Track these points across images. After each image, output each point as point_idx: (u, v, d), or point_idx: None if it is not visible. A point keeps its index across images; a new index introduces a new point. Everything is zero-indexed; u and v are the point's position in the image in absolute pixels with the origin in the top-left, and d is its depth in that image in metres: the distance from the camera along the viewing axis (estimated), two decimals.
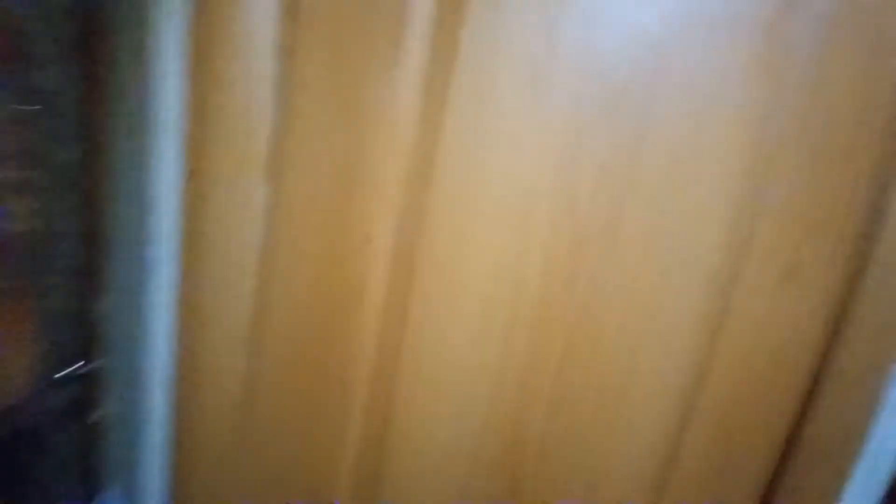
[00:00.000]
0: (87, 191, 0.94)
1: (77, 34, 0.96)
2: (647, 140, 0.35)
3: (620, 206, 0.36)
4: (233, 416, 0.41)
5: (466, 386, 0.38)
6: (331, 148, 0.35)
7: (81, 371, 0.73)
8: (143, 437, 0.48)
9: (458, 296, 0.36)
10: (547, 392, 0.37)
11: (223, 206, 0.38)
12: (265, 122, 0.36)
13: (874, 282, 0.36)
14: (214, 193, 0.38)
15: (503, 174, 0.35)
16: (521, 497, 0.40)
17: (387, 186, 0.35)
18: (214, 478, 0.43)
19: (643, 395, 0.38)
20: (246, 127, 0.36)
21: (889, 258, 0.36)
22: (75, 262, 1.04)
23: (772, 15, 0.32)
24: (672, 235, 0.36)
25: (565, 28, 0.34)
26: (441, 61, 0.33)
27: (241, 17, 0.33)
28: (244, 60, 0.33)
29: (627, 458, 0.40)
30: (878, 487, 0.39)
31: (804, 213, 0.36)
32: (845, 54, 0.32)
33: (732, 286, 0.37)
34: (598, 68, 0.34)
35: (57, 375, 0.70)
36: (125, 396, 0.55)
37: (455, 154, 0.35)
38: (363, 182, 0.35)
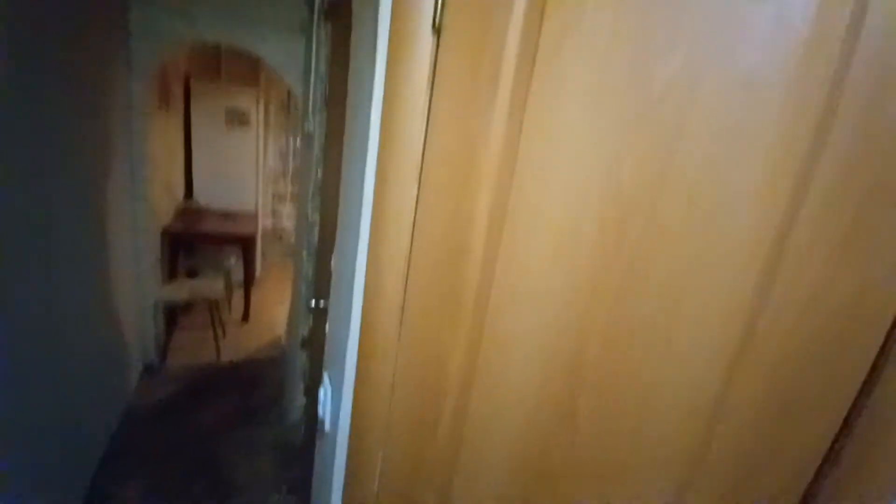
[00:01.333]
0: (324, 197, 1.43)
1: (324, 97, 1.49)
2: (685, 131, 0.45)
3: (657, 189, 0.46)
4: (392, 328, 0.67)
5: (537, 317, 0.54)
6: (450, 159, 0.57)
7: (322, 305, 1.17)
8: (348, 343, 0.80)
9: (532, 252, 0.53)
10: (601, 325, 0.50)
11: (394, 199, 0.65)
12: (418, 147, 0.60)
13: None
14: (390, 191, 0.65)
15: (565, 168, 0.50)
16: (578, 412, 0.53)
17: (483, 182, 0.55)
18: (380, 368, 0.70)
19: (685, 344, 0.47)
20: (407, 151, 0.61)
21: None
22: (318, 241, 1.58)
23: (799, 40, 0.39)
24: (705, 211, 0.44)
25: (612, 60, 0.47)
26: (520, 91, 0.51)
27: (409, 89, 0.58)
28: (409, 118, 0.58)
29: (671, 399, 0.48)
30: None
31: (871, 175, 0.38)
32: None
33: (781, 248, 0.42)
34: (641, 82, 0.46)
35: (311, 305, 1.16)
36: (339, 320, 0.89)
37: (529, 155, 0.52)
38: (469, 179, 0.56)
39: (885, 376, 0.39)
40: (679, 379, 0.47)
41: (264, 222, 4.87)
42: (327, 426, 0.92)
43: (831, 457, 0.41)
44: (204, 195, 4.07)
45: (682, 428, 0.48)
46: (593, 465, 0.53)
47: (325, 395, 0.95)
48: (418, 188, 0.61)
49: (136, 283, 2.58)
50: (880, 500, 0.39)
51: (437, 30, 0.55)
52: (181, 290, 2.98)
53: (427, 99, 0.58)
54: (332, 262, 1.03)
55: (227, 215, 3.97)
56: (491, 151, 0.54)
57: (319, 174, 1.63)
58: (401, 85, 0.59)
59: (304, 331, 1.86)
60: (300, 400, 2.10)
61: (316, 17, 1.54)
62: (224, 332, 3.32)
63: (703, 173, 0.43)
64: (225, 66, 4.13)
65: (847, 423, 0.41)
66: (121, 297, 2.28)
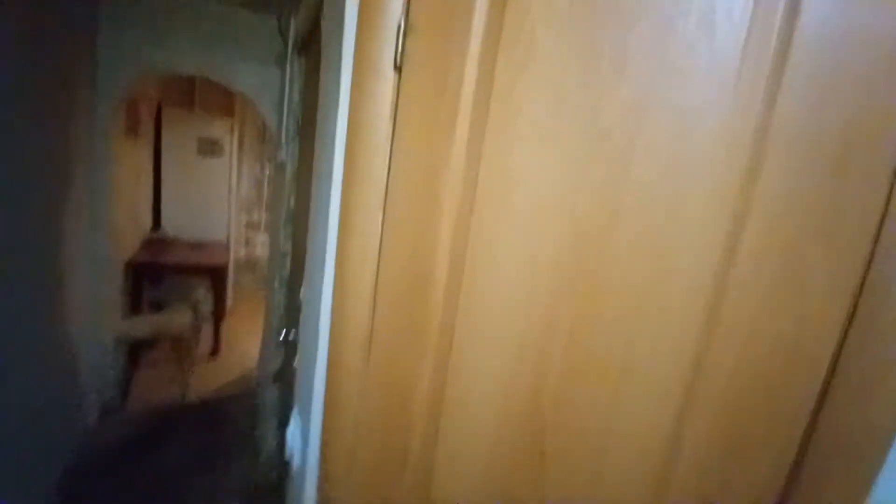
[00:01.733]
0: (297, 226, 1.42)
1: (296, 128, 1.51)
2: (633, 163, 0.47)
3: (610, 217, 0.48)
4: (358, 360, 0.66)
5: (500, 347, 0.54)
6: (414, 188, 0.59)
7: (290, 337, 1.14)
8: (315, 376, 0.78)
9: (492, 282, 0.54)
10: (559, 358, 0.51)
11: (359, 229, 0.65)
12: (382, 178, 0.62)
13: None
14: (355, 222, 0.65)
15: (522, 197, 0.52)
16: (545, 446, 0.53)
17: (445, 211, 0.56)
18: (346, 401, 0.68)
19: (640, 373, 0.48)
20: (372, 183, 0.63)
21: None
22: (290, 271, 1.56)
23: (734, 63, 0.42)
24: (654, 241, 0.46)
25: (563, 98, 0.50)
26: (478, 127, 0.54)
27: (371, 123, 0.60)
28: (371, 149, 0.60)
29: (631, 428, 0.49)
30: None
31: (803, 208, 0.41)
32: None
33: (724, 281, 0.44)
34: (589, 118, 0.49)
35: (280, 338, 1.13)
36: (308, 352, 0.88)
37: (489, 186, 0.54)
38: (432, 208, 0.57)
39: (825, 414, 0.41)
40: (636, 413, 0.48)
41: (237, 252, 4.77)
42: (296, 464, 0.89)
43: (786, 492, 0.43)
44: (173, 225, 3.97)
45: (642, 459, 0.48)
46: (561, 498, 0.52)
47: (295, 431, 0.92)
48: (383, 219, 0.62)
49: (95, 318, 2.45)
50: None
51: (398, 68, 0.57)
52: (145, 325, 2.85)
53: (390, 132, 0.60)
54: (302, 293, 1.02)
55: (197, 245, 3.87)
56: (451, 184, 0.55)
57: (292, 203, 1.63)
58: (364, 119, 0.61)
59: (275, 364, 1.80)
60: (272, 437, 2.01)
61: (290, 50, 1.58)
62: (192, 369, 3.17)
63: (650, 207, 0.46)
64: (199, 95, 4.13)
65: (798, 459, 0.42)
66: (77, 333, 2.17)
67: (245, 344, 3.71)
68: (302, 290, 1.01)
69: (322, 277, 0.73)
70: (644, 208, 0.46)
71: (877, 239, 0.39)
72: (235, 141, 4.33)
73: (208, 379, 3.16)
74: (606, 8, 0.46)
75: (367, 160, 0.61)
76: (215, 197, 4.26)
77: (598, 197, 0.48)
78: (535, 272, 0.51)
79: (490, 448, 0.55)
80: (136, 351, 3.17)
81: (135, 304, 3.14)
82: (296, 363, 1.03)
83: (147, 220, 3.78)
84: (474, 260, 0.55)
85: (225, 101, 4.28)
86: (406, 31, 0.56)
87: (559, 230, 0.50)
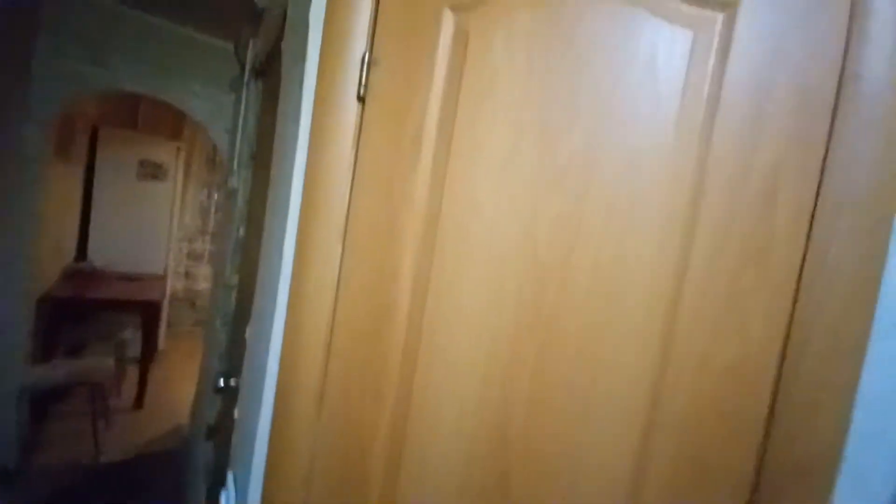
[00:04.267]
0: (246, 257, 1.38)
1: (250, 154, 1.50)
2: (588, 199, 0.51)
3: (570, 248, 0.51)
4: (310, 408, 0.64)
5: (463, 384, 0.54)
6: (376, 218, 0.60)
7: (232, 384, 1.07)
8: (257, 431, 0.74)
9: (455, 313, 0.55)
10: (525, 392, 0.52)
11: (316, 261, 0.65)
12: (342, 209, 0.62)
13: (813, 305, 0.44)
14: (312, 253, 0.65)
15: (484, 230, 0.54)
16: (511, 488, 0.52)
17: (407, 241, 0.57)
18: (294, 458, 0.65)
19: (603, 405, 0.49)
20: (332, 211, 0.63)
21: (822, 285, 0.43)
22: (235, 307, 1.50)
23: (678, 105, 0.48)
24: (610, 272, 0.49)
25: (524, 131, 0.53)
26: (441, 158, 0.56)
27: (333, 153, 0.62)
28: (332, 178, 0.61)
29: (598, 464, 0.50)
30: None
31: (739, 239, 0.46)
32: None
33: (674, 309, 0.47)
34: (548, 153, 0.52)
35: (219, 385, 1.06)
36: (250, 402, 0.83)
37: (451, 218, 0.56)
38: (394, 238, 0.58)
39: (774, 436, 0.44)
40: (600, 445, 0.49)
41: (175, 285, 4.51)
42: None
43: None
44: (101, 255, 3.73)
45: (609, 492, 0.49)
46: None
47: (228, 501, 0.84)
48: (342, 250, 0.62)
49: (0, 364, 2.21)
50: None
51: (361, 99, 0.60)
52: (56, 372, 2.59)
53: (351, 162, 0.61)
54: (248, 332, 0.98)
55: (127, 278, 3.63)
56: (414, 215, 0.57)
57: (241, 232, 1.59)
58: (325, 148, 0.62)
59: (210, 416, 1.67)
60: None
61: (247, 75, 1.59)
62: (107, 423, 2.88)
63: (604, 239, 0.49)
64: (143, 116, 4.03)
65: (755, 481, 0.45)
66: None
67: (176, 392, 3.44)
68: (248, 328, 0.97)
69: (273, 313, 0.71)
70: (599, 240, 0.50)
71: (801, 268, 0.44)
72: (182, 165, 4.21)
73: (129, 435, 2.87)
74: (562, 50, 0.51)
75: (327, 190, 0.62)
76: (154, 224, 4.06)
77: (557, 230, 0.51)
78: (499, 303, 0.53)
79: (454, 495, 0.54)
80: (44, 402, 2.86)
81: (48, 347, 2.86)
82: (236, 414, 0.97)
83: (71, 250, 3.53)
84: (437, 292, 0.56)
85: (173, 123, 4.19)
86: (370, 63, 0.59)
87: (521, 260, 0.52)
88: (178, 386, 3.51)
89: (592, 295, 0.49)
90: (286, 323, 0.67)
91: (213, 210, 4.72)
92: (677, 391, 0.46)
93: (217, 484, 1.35)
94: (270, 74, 1.33)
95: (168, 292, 4.12)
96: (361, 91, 0.59)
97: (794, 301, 0.44)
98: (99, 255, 3.71)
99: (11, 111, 2.06)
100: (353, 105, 0.60)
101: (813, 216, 0.43)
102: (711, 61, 0.46)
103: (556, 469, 0.51)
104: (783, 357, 0.44)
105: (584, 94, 0.50)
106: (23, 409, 2.44)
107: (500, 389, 0.53)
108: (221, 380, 1.12)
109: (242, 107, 1.65)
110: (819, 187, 0.43)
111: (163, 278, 3.98)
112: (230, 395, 1.22)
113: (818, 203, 0.43)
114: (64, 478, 2.40)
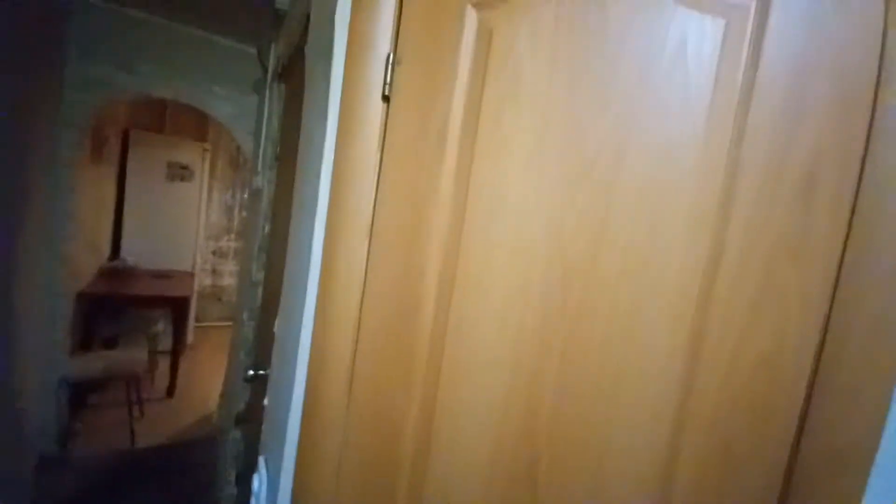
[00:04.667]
0: (271, 254, 1.41)
1: (274, 154, 1.52)
2: (616, 192, 0.50)
3: (596, 243, 0.51)
4: (340, 396, 0.65)
5: (489, 378, 0.55)
6: (401, 217, 0.60)
7: (261, 373, 1.10)
8: (289, 417, 0.75)
9: (482, 310, 0.55)
10: (553, 383, 0.52)
11: (344, 257, 0.66)
12: (368, 207, 0.63)
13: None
14: (339, 249, 0.66)
15: (509, 225, 0.54)
16: (539, 476, 0.53)
17: (433, 236, 0.58)
18: (326, 442, 0.66)
19: (632, 399, 0.49)
20: (359, 211, 0.64)
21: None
22: (262, 302, 1.53)
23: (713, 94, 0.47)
24: (638, 265, 0.49)
25: (550, 126, 0.53)
26: (466, 155, 0.56)
27: (359, 151, 0.62)
28: (359, 176, 0.62)
29: (626, 458, 0.49)
30: None
31: (774, 232, 0.45)
32: None
33: (706, 302, 0.47)
34: (575, 147, 0.52)
35: (249, 375, 1.09)
36: (280, 391, 0.85)
37: (476, 213, 0.56)
38: (419, 234, 0.59)
39: (809, 427, 0.43)
40: (629, 436, 0.49)
41: (202, 281, 4.64)
42: None
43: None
44: (133, 253, 3.85)
45: (638, 484, 0.49)
46: None
47: (260, 483, 0.87)
48: (369, 246, 0.63)
49: (42, 356, 2.31)
50: None
51: (386, 98, 0.60)
52: (94, 364, 2.70)
53: (377, 161, 0.62)
54: (276, 326, 1.00)
55: (158, 275, 3.75)
56: (439, 211, 0.57)
57: (266, 230, 1.62)
58: (352, 147, 0.63)
59: (239, 405, 1.72)
60: (230, 489, 1.89)
61: (269, 77, 1.62)
62: (142, 412, 2.99)
63: (633, 232, 0.48)
64: (170, 119, 4.13)
65: (788, 472, 0.44)
66: (21, 374, 2.03)
67: (206, 382, 3.54)
68: (276, 321, 0.99)
69: (302, 307, 0.72)
70: (627, 234, 0.49)
71: (841, 259, 0.43)
72: (207, 166, 4.31)
73: (162, 423, 2.98)
74: (588, 43, 0.50)
75: (354, 188, 0.63)
76: (183, 223, 4.18)
77: (584, 223, 0.51)
78: (525, 297, 0.53)
79: (482, 482, 0.54)
80: (83, 392, 2.98)
81: (85, 340, 2.98)
82: (265, 402, 1.00)
83: (106, 249, 3.66)
84: (463, 287, 0.56)
85: (198, 126, 4.29)
86: (394, 62, 0.59)
87: (547, 255, 0.52)
88: (207, 377, 3.62)
89: (620, 288, 0.49)
90: (315, 317, 0.69)
91: (237, 209, 4.82)
92: (709, 383, 0.45)
93: (247, 468, 1.39)
94: (293, 76, 1.35)
95: (196, 288, 4.23)
96: (386, 90, 0.60)
97: (834, 291, 0.42)
98: (131, 253, 3.84)
99: (46, 117, 2.14)
100: (379, 104, 0.60)
101: (855, 204, 0.42)
102: (745, 50, 0.45)
103: (584, 458, 0.51)
104: (821, 346, 0.43)
105: (612, 87, 0.50)
106: (63, 399, 2.55)
107: (527, 382, 0.53)
108: (251, 371, 1.15)
109: (266, 108, 1.67)
110: (861, 175, 0.42)
111: (191, 275, 4.09)
112: (259, 385, 1.26)
113: (860, 190, 0.41)
114: (103, 464, 2.51)
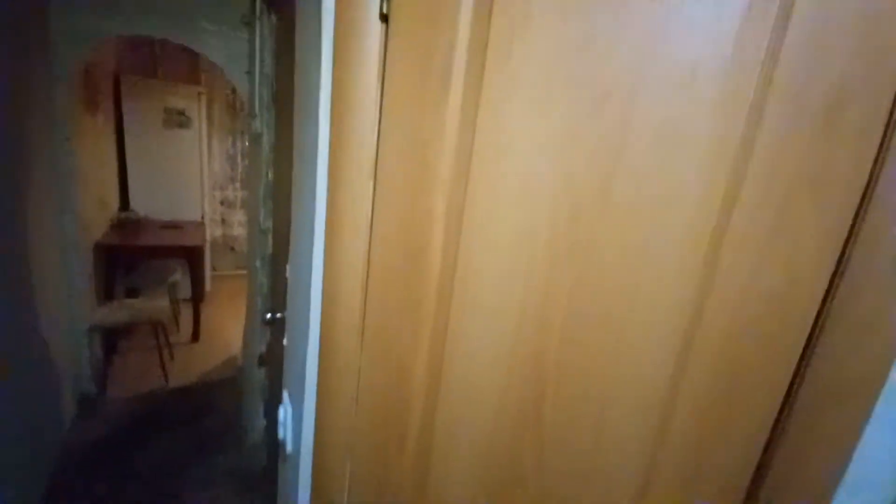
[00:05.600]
0: (277, 201, 1.39)
1: (271, 94, 1.45)
2: (628, 130, 0.46)
3: (608, 181, 0.48)
4: (353, 337, 0.66)
5: (498, 318, 0.54)
6: (405, 156, 0.57)
7: (279, 317, 1.13)
8: (307, 356, 0.78)
9: (489, 250, 0.53)
10: (559, 326, 0.51)
11: (350, 198, 0.64)
12: (371, 145, 0.60)
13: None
14: (343, 191, 0.64)
15: (517, 163, 0.51)
16: (544, 411, 0.54)
17: (439, 178, 0.55)
18: (342, 379, 0.68)
19: (640, 332, 0.49)
20: (362, 149, 0.60)
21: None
22: (272, 249, 1.54)
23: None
24: (652, 200, 0.46)
25: (558, 61, 0.48)
26: (472, 93, 0.52)
27: (358, 81, 0.58)
28: (360, 114, 0.58)
29: (631, 389, 0.50)
30: None
31: (790, 184, 0.42)
32: None
33: (721, 234, 0.44)
34: (586, 81, 0.47)
35: (267, 318, 1.12)
36: (297, 332, 0.87)
37: (483, 152, 0.52)
38: (424, 176, 0.56)
39: (814, 363, 0.42)
40: (634, 369, 0.49)
41: (213, 232, 4.67)
42: (289, 447, 0.89)
43: (774, 438, 0.45)
44: (142, 205, 3.86)
45: (641, 416, 0.50)
46: (560, 467, 0.54)
47: (286, 414, 0.92)
48: (374, 186, 0.61)
49: (67, 307, 2.40)
50: (819, 487, 0.42)
51: (384, 17, 0.55)
52: (120, 312, 2.80)
53: (378, 92, 0.57)
54: (288, 271, 1.00)
55: (170, 226, 3.78)
56: (445, 148, 0.54)
57: (270, 177, 1.58)
58: (350, 77, 0.58)
59: (260, 347, 1.79)
60: (259, 422, 2.03)
61: (258, 8, 1.50)
62: (172, 355, 3.15)
63: (648, 164, 0.45)
64: (161, 62, 3.94)
65: (787, 404, 0.44)
66: (49, 323, 2.12)
67: (227, 327, 3.69)
68: (288, 267, 0.99)
69: (310, 252, 0.72)
70: (641, 166, 0.46)
71: (866, 192, 0.40)
72: (204, 111, 4.17)
73: (190, 365, 3.15)
74: None
75: (355, 125, 0.59)
76: (186, 173, 4.13)
77: (594, 161, 0.47)
78: (533, 239, 0.51)
79: (491, 419, 0.56)
80: (112, 339, 3.13)
81: (108, 290, 3.08)
82: (285, 342, 1.03)
83: (114, 201, 3.66)
84: (472, 226, 0.54)
85: (190, 69, 4.10)
86: None
87: (555, 196, 0.49)
88: (229, 322, 3.77)
89: (631, 223, 0.47)
90: (325, 261, 0.68)
91: (239, 158, 4.73)
92: (718, 315, 0.44)
93: (272, 402, 1.48)
94: (284, 5, 1.24)
95: (208, 238, 4.28)
96: (384, 7, 0.54)
97: (852, 229, 0.40)
98: (140, 204, 3.84)
99: (37, 73, 2.04)
100: (377, 25, 0.55)
101: (884, 138, 0.38)
102: None
103: (589, 393, 0.51)
104: (838, 280, 0.41)
105: (633, 4, 0.44)
106: (95, 345, 2.68)
107: (536, 318, 0.52)
108: (268, 314, 1.18)
109: (257, 43, 1.57)
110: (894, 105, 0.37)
111: (201, 225, 4.12)
112: (278, 327, 1.29)
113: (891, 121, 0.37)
114: (138, 403, 2.69)
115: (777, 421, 0.46)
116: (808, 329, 0.43)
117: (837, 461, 0.43)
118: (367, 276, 0.63)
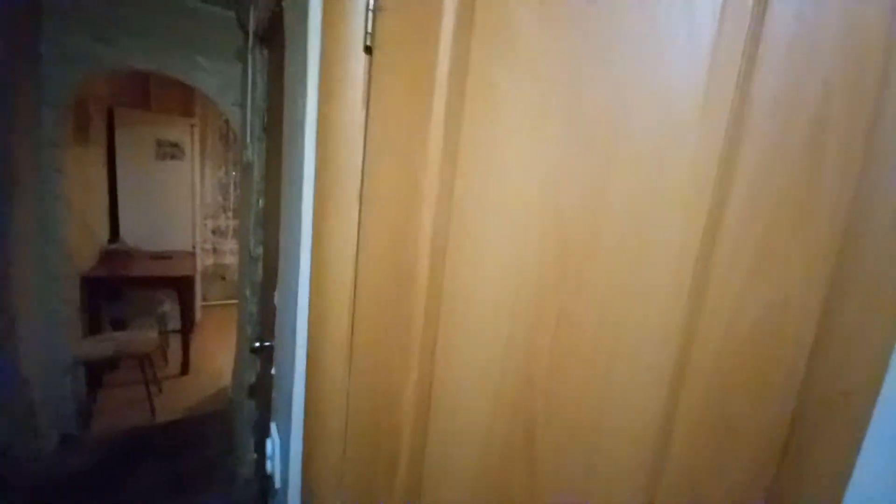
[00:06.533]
0: (267, 229, 1.39)
1: (262, 125, 1.47)
2: (617, 164, 0.47)
3: (596, 216, 0.47)
4: (340, 364, 0.64)
5: (486, 345, 0.53)
6: (391, 179, 0.57)
7: (266, 344, 1.11)
8: (294, 386, 0.76)
9: (476, 277, 0.53)
10: (547, 352, 0.51)
11: (336, 224, 0.64)
12: (357, 169, 0.60)
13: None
14: (330, 215, 0.64)
15: (505, 193, 0.51)
16: (536, 437, 0.53)
17: (424, 201, 0.55)
18: (330, 409, 0.66)
19: (630, 361, 0.48)
20: (348, 174, 0.61)
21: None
22: (262, 276, 1.52)
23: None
24: (640, 236, 0.46)
25: (553, 86, 0.48)
26: (455, 113, 0.53)
27: (344, 109, 0.59)
28: (345, 138, 0.58)
29: (622, 418, 0.49)
30: None
31: (775, 203, 0.42)
32: None
33: (704, 275, 0.45)
34: (577, 113, 0.47)
35: (255, 346, 1.09)
36: (285, 361, 0.85)
37: (468, 179, 0.53)
38: (411, 199, 0.56)
39: (812, 380, 0.42)
40: (626, 399, 0.48)
41: (204, 261, 4.63)
42: (277, 482, 0.86)
43: (779, 467, 0.44)
44: (132, 236, 3.82)
45: (634, 446, 0.48)
46: (551, 494, 0.52)
47: (273, 447, 0.89)
48: (359, 211, 0.61)
49: (49, 339, 2.34)
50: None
51: (368, 49, 0.56)
52: (106, 345, 2.73)
53: (363, 120, 0.58)
54: (276, 298, 0.99)
55: (160, 256, 3.74)
56: (430, 174, 0.54)
57: (261, 205, 1.59)
58: (336, 106, 0.59)
59: (250, 377, 1.75)
60: (250, 455, 1.96)
61: (251, 41, 1.54)
62: (160, 388, 3.06)
63: (635, 190, 0.45)
64: (155, 94, 3.99)
65: (790, 431, 0.43)
66: (30, 357, 2.06)
67: (217, 358, 3.61)
68: (276, 294, 0.98)
69: (297, 278, 0.71)
70: (629, 193, 0.46)
71: (850, 206, 0.40)
72: (196, 143, 4.20)
73: (179, 399, 3.05)
74: None
75: (340, 150, 0.60)
76: (178, 203, 4.12)
77: (584, 186, 0.47)
78: (521, 266, 0.51)
79: (482, 447, 0.55)
80: (97, 373, 3.04)
81: (94, 323, 3.01)
82: (273, 371, 1.00)
83: (104, 232, 3.63)
84: (458, 253, 0.54)
85: (185, 100, 4.15)
86: (375, 9, 0.55)
87: (543, 223, 0.49)
88: (218, 353, 3.68)
89: (620, 247, 0.47)
90: (311, 285, 0.67)
91: (231, 187, 4.74)
92: (709, 341, 0.44)
93: (262, 434, 1.43)
94: (276, 39, 1.27)
95: (198, 267, 4.23)
96: (368, 40, 0.55)
97: (841, 248, 0.40)
98: (130, 235, 3.81)
99: (26, 96, 2.06)
100: (361, 57, 0.56)
101: (868, 147, 0.39)
102: None
103: (581, 415, 0.50)
104: (828, 297, 0.41)
105: (617, 31, 0.45)
106: (78, 379, 2.60)
107: (524, 344, 0.52)
108: (256, 342, 1.16)
109: (250, 76, 1.60)
110: (878, 113, 0.38)
111: (192, 255, 4.08)
112: (266, 355, 1.27)
113: (874, 130, 0.38)
114: (122, 439, 2.59)
115: (782, 449, 0.45)
116: (808, 344, 0.43)
117: (840, 479, 0.42)
118: (354, 301, 0.62)
